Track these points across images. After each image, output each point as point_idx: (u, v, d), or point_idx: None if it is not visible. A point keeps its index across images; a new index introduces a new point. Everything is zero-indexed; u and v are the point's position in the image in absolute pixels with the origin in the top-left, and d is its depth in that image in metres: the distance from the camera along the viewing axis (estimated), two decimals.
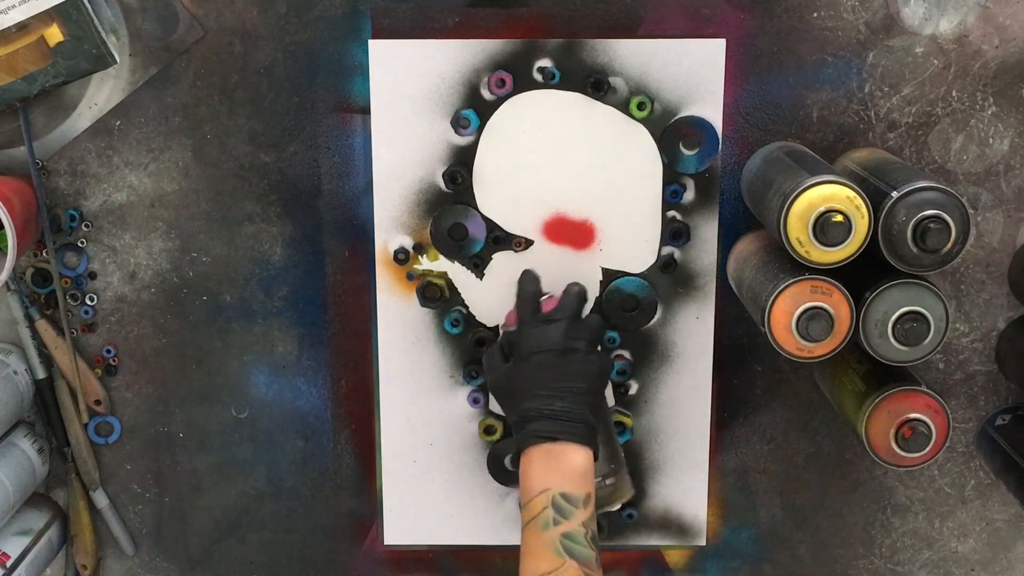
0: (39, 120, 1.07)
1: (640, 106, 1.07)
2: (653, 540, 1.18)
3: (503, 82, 1.07)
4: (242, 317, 1.13)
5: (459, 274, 1.12)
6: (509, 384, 1.01)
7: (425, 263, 1.12)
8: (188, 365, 1.14)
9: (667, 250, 1.11)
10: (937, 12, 1.06)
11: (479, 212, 1.10)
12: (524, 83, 1.07)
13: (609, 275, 1.12)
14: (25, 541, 1.11)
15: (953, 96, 1.08)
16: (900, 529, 1.19)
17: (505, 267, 1.11)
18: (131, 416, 1.15)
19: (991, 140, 1.08)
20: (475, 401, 1.14)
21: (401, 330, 1.13)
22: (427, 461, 1.16)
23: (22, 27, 1.00)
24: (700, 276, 1.12)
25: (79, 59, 1.02)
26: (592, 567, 0.92)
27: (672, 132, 1.08)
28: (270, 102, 1.09)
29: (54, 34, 1.01)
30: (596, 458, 0.98)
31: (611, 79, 1.07)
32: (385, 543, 1.19)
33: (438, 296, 1.11)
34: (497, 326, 1.12)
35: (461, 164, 1.09)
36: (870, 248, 0.92)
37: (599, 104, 1.08)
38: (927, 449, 0.99)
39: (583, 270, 1.11)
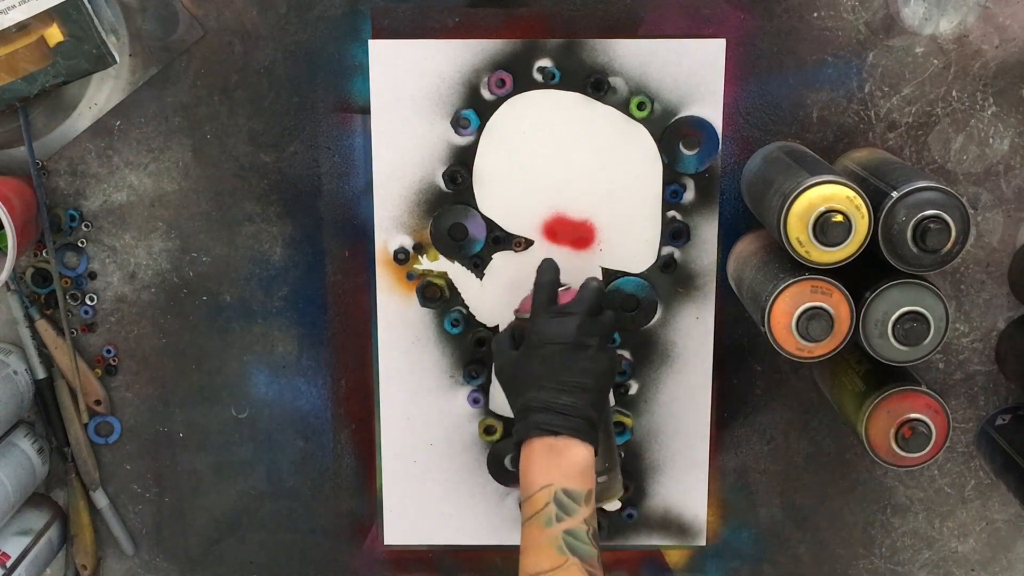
0: (39, 120, 1.07)
1: (640, 106, 1.07)
2: (653, 540, 1.18)
3: (503, 82, 1.07)
4: (242, 317, 1.13)
5: (459, 274, 1.12)
6: (516, 372, 1.00)
7: (425, 263, 1.12)
8: (188, 365, 1.14)
9: (667, 250, 1.11)
10: (937, 12, 1.06)
11: (479, 212, 1.10)
12: (524, 83, 1.07)
13: (609, 275, 1.12)
14: (25, 541, 1.11)
15: (953, 96, 1.08)
16: (900, 529, 1.19)
17: (505, 267, 1.11)
18: (131, 416, 1.15)
19: (991, 140, 1.08)
20: (475, 401, 1.14)
21: (401, 330, 1.13)
22: (427, 461, 1.16)
23: (22, 27, 1.00)
24: (700, 276, 1.12)
25: (79, 59, 1.02)
26: (594, 565, 0.91)
27: (672, 132, 1.08)
28: (270, 102, 1.09)
29: (54, 34, 1.01)
30: (596, 455, 0.98)
31: (611, 79, 1.07)
32: (385, 543, 1.19)
33: (438, 296, 1.11)
34: (497, 326, 1.12)
35: (461, 164, 1.09)
36: (870, 248, 0.92)
37: (599, 104, 1.08)
38: (927, 449, 0.99)
39: (583, 270, 1.11)
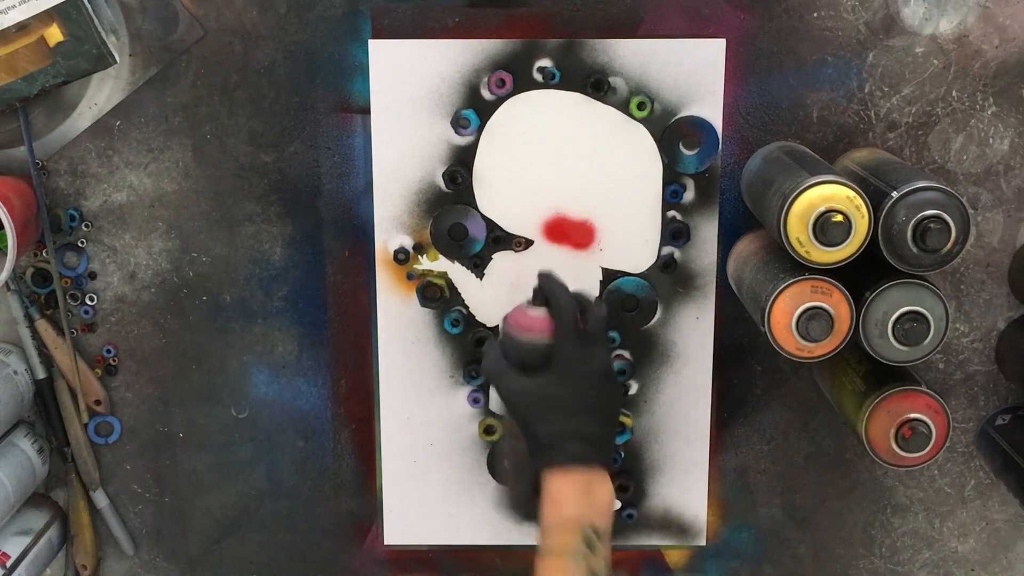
0: (39, 120, 1.07)
1: (640, 106, 1.07)
2: (653, 540, 1.18)
3: (503, 82, 1.07)
4: (242, 317, 1.13)
5: (459, 274, 1.12)
6: (540, 398, 0.96)
7: (425, 263, 1.12)
8: (188, 365, 1.14)
9: (667, 250, 1.11)
10: (937, 12, 1.06)
11: (479, 212, 1.10)
12: (524, 83, 1.07)
13: (609, 275, 1.12)
14: (25, 541, 1.11)
15: (953, 96, 1.08)
16: (900, 529, 1.19)
17: (505, 267, 1.11)
18: (131, 416, 1.15)
19: (991, 140, 1.08)
20: (475, 401, 1.14)
21: (401, 330, 1.13)
22: (427, 461, 1.16)
23: (22, 27, 1.00)
24: (700, 276, 1.12)
25: (79, 59, 1.02)
26: None
27: (672, 132, 1.08)
28: (270, 102, 1.09)
29: (54, 34, 1.01)
30: None
31: (611, 79, 1.07)
32: (385, 543, 1.19)
33: (438, 296, 1.11)
34: (497, 326, 1.12)
35: (461, 164, 1.09)
36: (870, 248, 0.92)
37: (599, 104, 1.08)
38: (927, 449, 0.99)
39: (583, 270, 1.11)
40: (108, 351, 1.13)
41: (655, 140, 1.08)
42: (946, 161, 1.09)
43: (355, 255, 1.12)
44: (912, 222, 0.91)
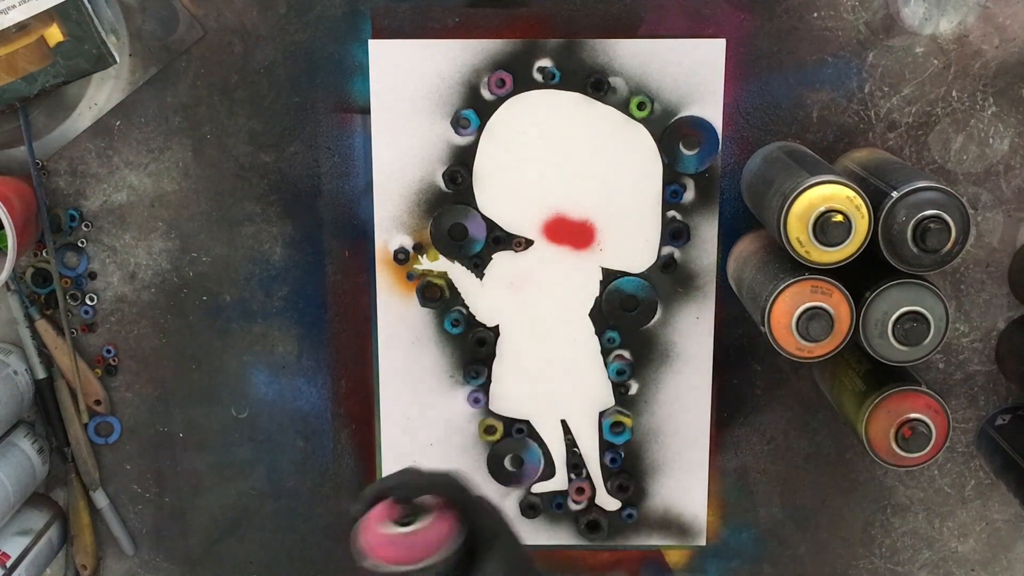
0: (39, 120, 1.07)
1: (640, 106, 1.07)
2: (653, 540, 1.18)
3: (503, 82, 1.07)
4: (242, 317, 1.13)
5: (459, 274, 1.12)
6: None
7: (425, 263, 1.12)
8: (188, 365, 1.14)
9: (667, 250, 1.11)
10: (937, 12, 1.06)
11: (479, 212, 1.10)
12: (524, 83, 1.07)
13: (609, 275, 1.12)
14: (25, 541, 1.11)
15: (953, 96, 1.08)
16: (900, 529, 1.19)
17: (505, 267, 1.11)
18: (131, 416, 1.15)
19: (991, 140, 1.08)
20: (475, 401, 1.14)
21: (401, 330, 1.13)
22: (427, 461, 1.16)
23: (22, 27, 1.00)
24: (700, 276, 1.12)
25: (79, 59, 1.02)
26: None
27: (672, 132, 1.08)
28: (270, 102, 1.09)
29: (54, 34, 1.01)
30: None
31: (611, 79, 1.07)
32: None
33: (438, 296, 1.11)
34: (497, 326, 1.12)
35: (461, 164, 1.09)
36: (870, 248, 0.92)
37: (599, 104, 1.08)
38: (927, 449, 0.99)
39: (583, 270, 1.11)
40: (108, 351, 1.13)
41: (655, 140, 1.08)
42: (946, 161, 1.09)
43: (355, 255, 1.12)
44: (912, 222, 0.91)
